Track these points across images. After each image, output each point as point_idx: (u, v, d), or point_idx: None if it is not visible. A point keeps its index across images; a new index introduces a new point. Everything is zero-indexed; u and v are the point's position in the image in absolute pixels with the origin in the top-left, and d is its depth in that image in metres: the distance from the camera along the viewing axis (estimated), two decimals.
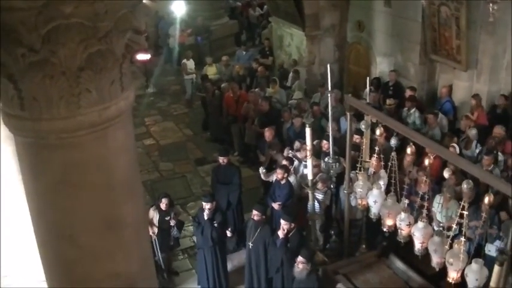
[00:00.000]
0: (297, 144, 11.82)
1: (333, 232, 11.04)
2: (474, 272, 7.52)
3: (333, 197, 10.86)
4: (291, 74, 16.74)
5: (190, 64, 18.88)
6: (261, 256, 9.81)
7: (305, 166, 10.92)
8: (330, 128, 10.34)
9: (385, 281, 9.23)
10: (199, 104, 18.00)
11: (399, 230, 8.72)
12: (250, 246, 9.86)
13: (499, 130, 11.61)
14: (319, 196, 10.59)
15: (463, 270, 7.64)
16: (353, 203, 10.10)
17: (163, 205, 10.35)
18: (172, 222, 10.48)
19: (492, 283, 7.17)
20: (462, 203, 7.64)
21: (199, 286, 10.68)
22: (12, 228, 7.39)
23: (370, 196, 9.17)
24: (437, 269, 8.26)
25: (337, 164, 10.26)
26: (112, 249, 4.01)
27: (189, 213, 12.77)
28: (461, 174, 9.35)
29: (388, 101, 13.57)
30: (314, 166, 10.22)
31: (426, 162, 8.13)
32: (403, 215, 8.60)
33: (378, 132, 9.03)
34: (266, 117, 13.89)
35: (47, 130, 3.54)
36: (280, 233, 9.42)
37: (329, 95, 10.29)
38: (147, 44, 17.42)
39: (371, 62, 16.07)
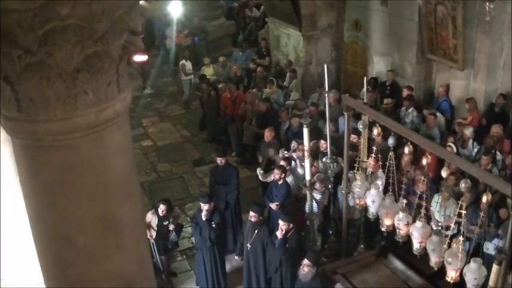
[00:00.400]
0: (293, 144, 11.83)
1: (331, 232, 11.04)
2: (473, 271, 7.52)
3: (331, 197, 10.86)
4: (288, 74, 16.74)
5: (188, 65, 18.89)
6: (259, 257, 9.81)
7: (302, 166, 10.94)
8: (328, 128, 10.36)
9: (384, 281, 9.24)
10: (197, 104, 18.04)
11: (397, 230, 8.72)
12: (249, 248, 9.86)
13: (496, 129, 11.63)
14: (317, 196, 10.59)
15: (462, 269, 7.65)
16: (351, 203, 10.10)
17: (160, 211, 10.35)
18: (171, 227, 10.47)
19: (491, 282, 7.17)
20: (460, 202, 7.65)
21: (198, 287, 10.68)
22: (10, 230, 7.38)
23: (368, 196, 9.17)
24: (435, 269, 8.26)
25: (335, 164, 10.25)
26: (110, 250, 4.00)
27: (187, 214, 12.78)
28: (460, 174, 9.35)
29: (385, 100, 13.58)
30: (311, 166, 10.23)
31: (424, 161, 8.13)
32: (401, 214, 8.60)
33: (375, 132, 9.04)
34: (264, 117, 13.89)
35: (44, 132, 3.52)
36: (279, 234, 9.43)
37: (326, 95, 10.29)
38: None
39: (368, 61, 16.09)
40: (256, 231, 9.72)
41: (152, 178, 14.66)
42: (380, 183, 9.24)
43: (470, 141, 11.69)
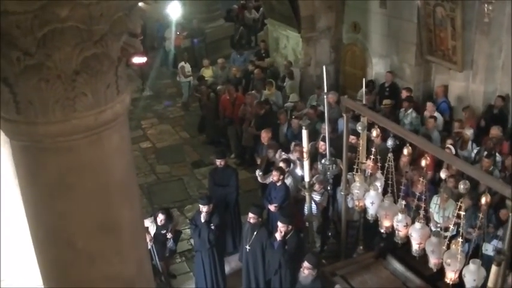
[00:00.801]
0: (292, 146, 11.85)
1: (330, 234, 11.04)
2: (472, 273, 7.52)
3: (330, 198, 10.86)
4: (284, 75, 16.78)
5: (187, 67, 18.91)
6: (258, 259, 9.80)
7: (300, 168, 10.96)
8: (327, 129, 10.36)
9: (383, 282, 9.23)
10: (196, 106, 18.03)
11: (396, 231, 8.72)
12: (248, 249, 9.85)
13: (496, 131, 11.64)
14: (316, 198, 10.59)
15: (461, 270, 7.65)
16: (350, 205, 10.10)
17: (159, 220, 10.34)
18: (168, 235, 10.45)
19: (490, 283, 7.18)
20: (459, 203, 7.65)
21: None
22: (10, 230, 7.38)
23: (367, 197, 9.18)
24: (434, 270, 8.26)
25: (334, 165, 10.26)
26: (109, 251, 4.00)
27: (186, 216, 12.78)
28: (459, 176, 9.35)
29: (384, 101, 13.60)
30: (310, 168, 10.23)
31: (423, 163, 8.13)
32: (400, 216, 8.60)
33: (374, 133, 9.04)
34: (263, 119, 13.90)
35: (43, 134, 3.52)
36: (278, 235, 9.42)
37: (325, 96, 10.29)
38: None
39: (367, 63, 16.09)
40: (255, 232, 9.72)
41: (151, 180, 14.65)
42: (379, 184, 9.25)
43: (470, 142, 11.69)
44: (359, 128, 9.24)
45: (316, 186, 10.47)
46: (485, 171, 9.92)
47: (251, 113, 14.41)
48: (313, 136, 11.72)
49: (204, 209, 9.97)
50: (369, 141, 9.67)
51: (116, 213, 3.95)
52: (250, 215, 9.78)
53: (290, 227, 9.45)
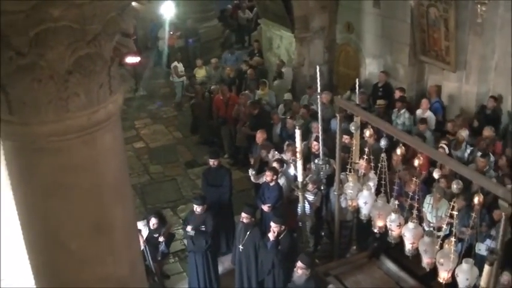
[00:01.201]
0: (285, 146, 11.85)
1: (323, 233, 11.05)
2: (465, 272, 7.54)
3: (323, 198, 10.87)
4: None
5: (181, 67, 18.91)
6: (251, 259, 9.80)
7: (292, 167, 10.97)
8: (320, 129, 10.36)
9: (376, 282, 9.25)
10: (189, 106, 18.01)
11: (390, 231, 8.73)
12: (241, 249, 9.85)
13: (488, 132, 11.68)
14: (310, 197, 10.59)
15: (454, 270, 7.67)
16: (343, 205, 10.11)
17: (151, 224, 10.33)
18: (160, 239, 10.43)
19: (482, 283, 7.19)
20: (452, 203, 7.67)
21: None
22: (11, 230, 7.36)
23: (361, 197, 9.19)
24: (427, 270, 8.28)
25: (327, 165, 10.26)
26: (101, 252, 3.99)
27: (179, 216, 12.76)
28: (452, 176, 9.37)
29: (378, 101, 13.62)
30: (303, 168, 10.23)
31: (416, 163, 8.15)
32: (393, 215, 8.61)
33: (367, 133, 9.05)
34: (256, 119, 13.90)
35: (36, 134, 3.52)
36: (271, 235, 9.42)
37: (318, 96, 10.29)
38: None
39: (360, 63, 16.10)
40: (248, 232, 9.72)
41: (145, 180, 14.63)
42: (372, 184, 9.26)
43: (464, 143, 11.72)
44: (352, 128, 9.25)
45: (310, 186, 10.47)
46: (481, 171, 9.96)
47: (245, 113, 14.40)
48: (306, 136, 11.72)
49: (198, 208, 9.98)
50: (362, 141, 9.67)
51: (109, 213, 3.95)
52: (243, 215, 9.79)
53: (283, 227, 9.45)
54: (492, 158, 10.98)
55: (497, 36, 12.57)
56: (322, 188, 10.73)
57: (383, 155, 8.74)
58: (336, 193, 9.96)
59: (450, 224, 7.96)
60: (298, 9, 16.10)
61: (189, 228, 10.12)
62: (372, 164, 9.19)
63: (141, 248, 9.31)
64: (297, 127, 9.66)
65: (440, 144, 11.14)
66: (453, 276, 7.71)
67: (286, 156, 11.58)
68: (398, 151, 8.58)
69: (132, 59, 17.67)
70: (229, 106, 15.12)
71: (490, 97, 12.89)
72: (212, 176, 11.59)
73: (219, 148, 14.94)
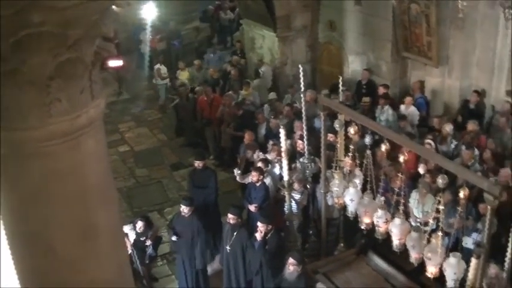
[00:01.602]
0: (269, 145, 11.84)
1: (311, 232, 11.06)
2: (452, 266, 7.59)
3: (310, 196, 10.88)
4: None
5: (163, 69, 18.85)
6: (239, 259, 9.81)
7: (277, 167, 10.99)
8: (305, 127, 10.37)
9: (365, 279, 9.26)
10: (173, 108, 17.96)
11: (377, 227, 8.77)
12: (228, 250, 9.85)
13: (472, 126, 11.76)
14: (297, 196, 10.59)
15: (441, 264, 7.71)
16: (330, 202, 10.13)
17: (138, 227, 10.31)
18: (147, 242, 10.41)
19: (470, 276, 7.24)
20: (438, 198, 7.71)
21: None
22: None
23: (347, 195, 9.21)
24: (415, 265, 8.31)
25: (313, 164, 10.27)
26: (87, 256, 3.97)
27: (166, 219, 12.72)
28: (437, 171, 9.40)
29: (364, 99, 13.66)
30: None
31: (401, 159, 8.18)
32: (379, 212, 8.64)
33: (352, 130, 9.07)
34: (241, 119, 13.90)
35: (20, 140, 3.51)
36: (258, 235, 9.43)
37: (301, 95, 10.30)
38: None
39: (343, 61, 16.15)
40: (235, 233, 9.72)
41: (130, 183, 14.59)
42: (358, 181, 9.29)
43: (449, 137, 11.78)
44: (336, 125, 9.26)
45: (296, 185, 10.48)
46: (466, 164, 10.02)
47: (229, 114, 14.39)
48: (290, 135, 11.73)
49: (185, 209, 9.98)
50: (347, 139, 9.69)
51: (94, 217, 3.93)
52: (230, 215, 9.79)
53: (270, 226, 9.46)
54: (477, 152, 11.04)
55: (478, 31, 12.64)
56: (308, 186, 10.74)
57: (368, 151, 8.76)
58: (322, 191, 9.98)
59: (437, 219, 7.99)
60: (280, 8, 16.12)
61: (174, 238, 10.25)
62: (357, 161, 9.21)
63: (129, 252, 9.32)
64: (281, 126, 9.66)
65: (427, 140, 11.19)
66: (441, 271, 7.76)
67: (271, 155, 11.58)
68: (383, 147, 8.61)
69: (114, 63, 17.56)
70: (213, 107, 15.11)
71: (473, 91, 12.96)
72: (198, 177, 11.57)
73: (204, 149, 14.91)
